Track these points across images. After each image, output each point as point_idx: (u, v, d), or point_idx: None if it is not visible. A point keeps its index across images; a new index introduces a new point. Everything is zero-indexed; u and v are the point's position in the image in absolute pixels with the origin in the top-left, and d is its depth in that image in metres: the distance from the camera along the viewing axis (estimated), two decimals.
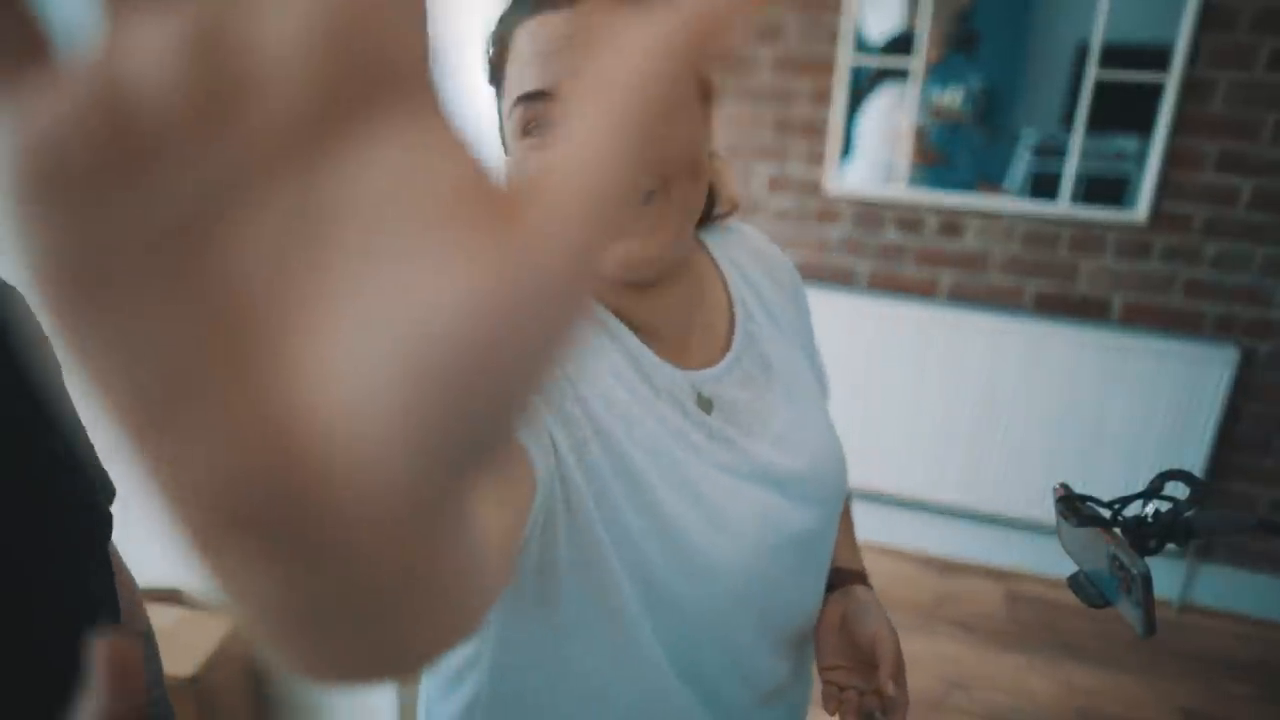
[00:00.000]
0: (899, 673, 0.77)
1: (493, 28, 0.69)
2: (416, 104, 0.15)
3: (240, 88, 0.14)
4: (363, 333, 0.14)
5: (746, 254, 0.89)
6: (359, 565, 0.16)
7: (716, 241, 0.87)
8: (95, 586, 0.58)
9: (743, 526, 0.72)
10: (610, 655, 0.72)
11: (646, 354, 0.73)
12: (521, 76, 0.65)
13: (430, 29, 0.16)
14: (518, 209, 0.15)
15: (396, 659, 0.20)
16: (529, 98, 0.64)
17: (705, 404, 0.76)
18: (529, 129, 0.65)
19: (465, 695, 0.77)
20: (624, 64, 0.17)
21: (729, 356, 0.81)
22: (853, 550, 0.93)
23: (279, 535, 0.15)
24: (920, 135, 2.64)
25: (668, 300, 0.76)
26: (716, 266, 0.85)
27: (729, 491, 0.73)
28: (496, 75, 0.69)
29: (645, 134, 0.16)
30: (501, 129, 0.70)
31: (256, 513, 0.14)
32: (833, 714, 0.78)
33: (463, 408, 0.14)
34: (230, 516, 0.14)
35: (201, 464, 0.14)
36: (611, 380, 0.70)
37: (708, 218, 0.84)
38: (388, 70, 0.15)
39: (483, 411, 0.14)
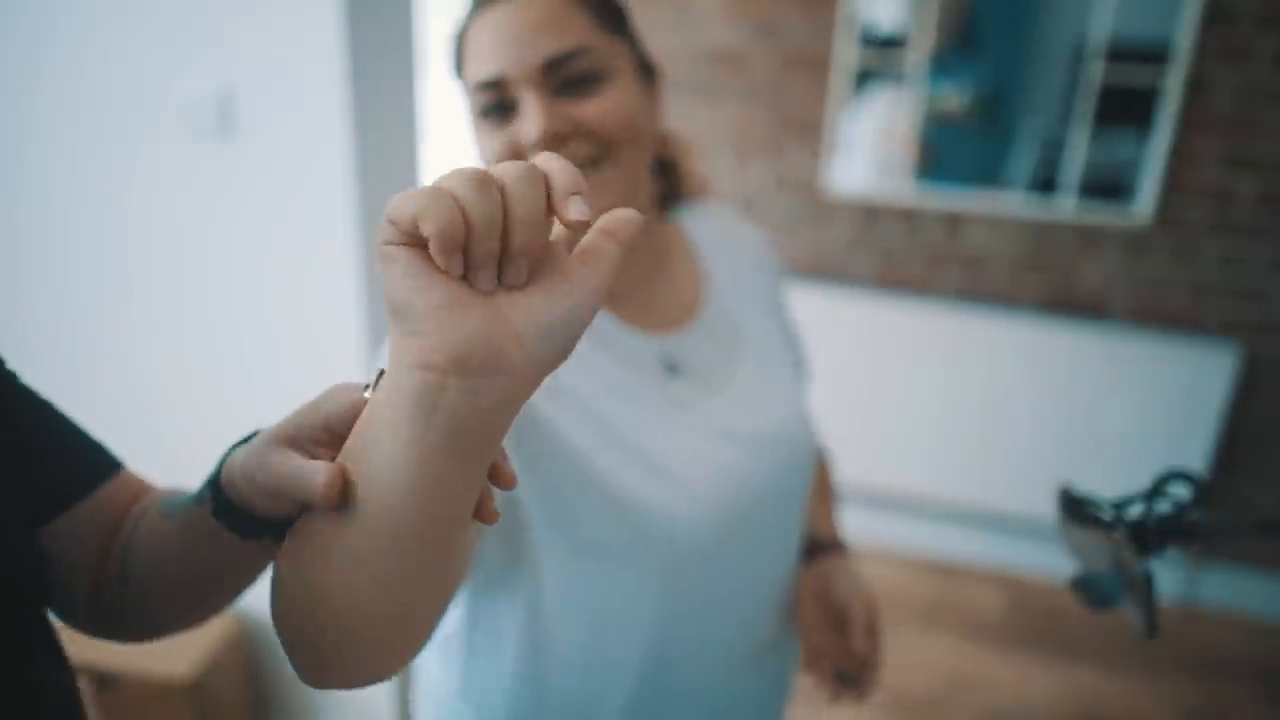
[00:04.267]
0: (871, 633, 0.83)
1: (453, 29, 0.75)
2: None
3: None
4: None
5: (718, 231, 0.93)
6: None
7: (688, 220, 0.92)
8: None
9: (699, 486, 0.75)
10: (587, 623, 0.75)
11: (607, 319, 0.78)
12: (477, 67, 0.72)
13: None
14: None
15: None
16: (484, 86, 0.71)
17: (671, 367, 0.80)
18: (486, 112, 0.73)
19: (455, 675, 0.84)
20: None
21: (696, 321, 0.84)
22: (829, 519, 0.98)
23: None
24: (921, 134, 2.64)
25: (627, 267, 0.79)
26: (687, 242, 0.90)
27: (684, 452, 0.76)
28: (459, 70, 0.76)
29: None
30: (466, 116, 0.77)
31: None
32: (813, 676, 0.84)
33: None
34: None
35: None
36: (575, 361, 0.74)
37: (677, 197, 0.88)
38: None
39: None
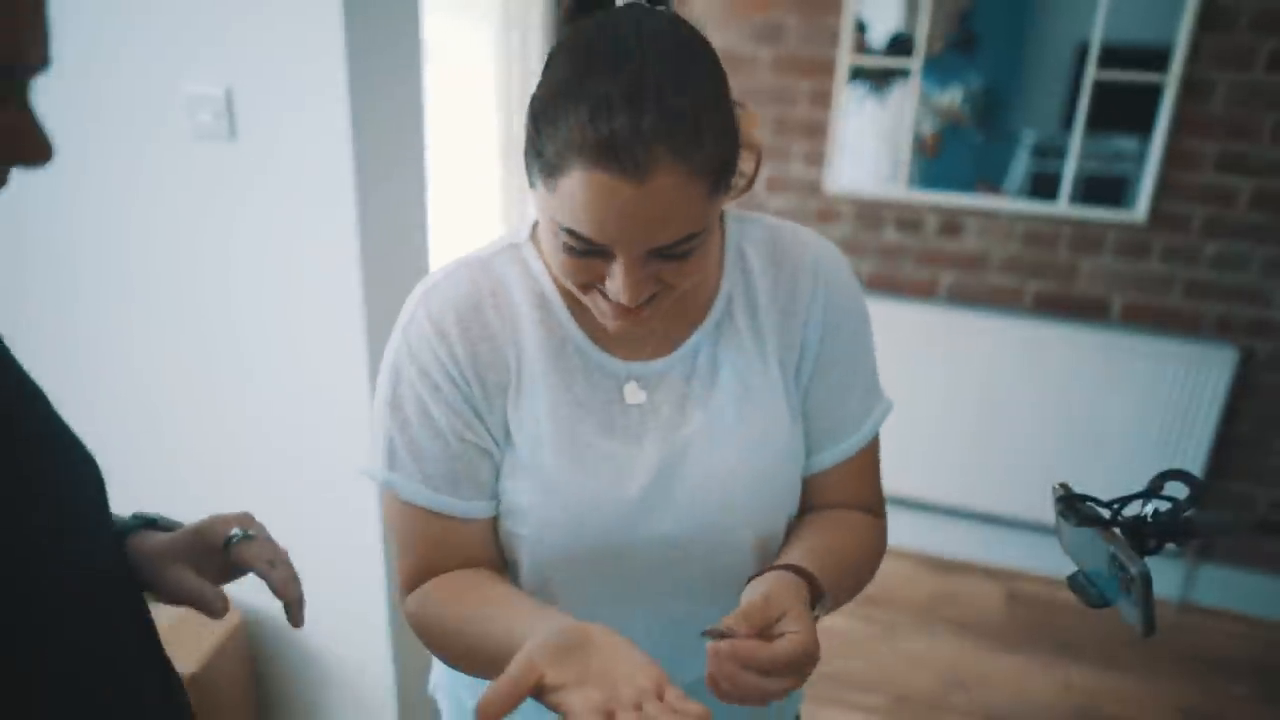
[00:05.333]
0: (750, 619, 0.67)
1: (551, 133, 0.65)
2: None
3: None
4: None
5: (765, 253, 0.85)
6: None
7: (737, 227, 0.86)
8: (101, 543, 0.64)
9: (567, 512, 0.79)
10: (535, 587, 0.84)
11: (583, 343, 0.81)
12: (579, 219, 0.66)
13: None
14: None
15: None
16: (579, 237, 0.67)
17: (636, 393, 0.81)
18: (572, 253, 0.69)
19: None
20: None
21: (678, 353, 0.83)
22: (809, 554, 0.79)
23: None
24: (919, 135, 2.64)
25: None
26: (722, 251, 0.85)
27: (585, 477, 0.80)
28: (542, 168, 0.68)
29: None
30: (539, 209, 0.72)
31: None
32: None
33: None
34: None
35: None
36: (540, 356, 0.80)
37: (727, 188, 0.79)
38: None
39: None
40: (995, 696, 2.35)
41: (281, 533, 1.06)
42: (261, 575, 0.72)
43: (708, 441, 0.81)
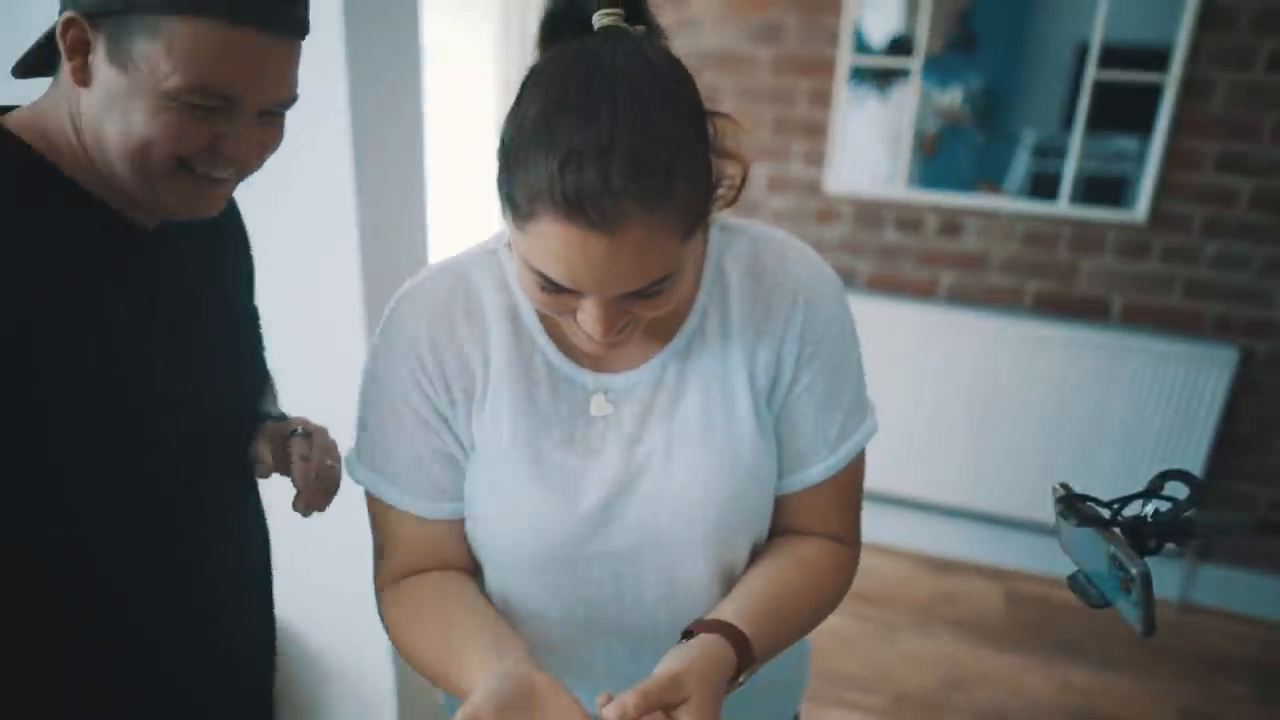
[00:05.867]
0: (639, 707, 0.65)
1: (522, 177, 0.65)
2: None
3: None
4: None
5: (745, 268, 0.83)
6: None
7: (721, 239, 0.84)
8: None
9: (515, 522, 0.81)
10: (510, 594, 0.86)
11: (553, 355, 0.81)
12: (546, 261, 0.66)
13: None
14: None
15: None
16: (548, 280, 0.68)
17: (602, 405, 0.81)
18: (543, 290, 0.69)
19: None
20: None
21: (646, 367, 0.82)
22: (750, 613, 0.77)
23: None
24: (919, 135, 2.64)
25: None
26: (702, 264, 0.83)
27: (562, 490, 0.80)
28: (512, 210, 0.68)
29: None
30: (511, 241, 0.72)
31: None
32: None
33: None
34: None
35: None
36: (507, 367, 0.80)
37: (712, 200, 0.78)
38: None
39: None
40: (994, 696, 2.35)
41: (280, 532, 1.06)
42: (293, 465, 0.90)
43: (666, 458, 0.80)
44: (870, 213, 2.77)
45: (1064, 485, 0.71)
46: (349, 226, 1.45)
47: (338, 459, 0.95)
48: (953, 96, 2.59)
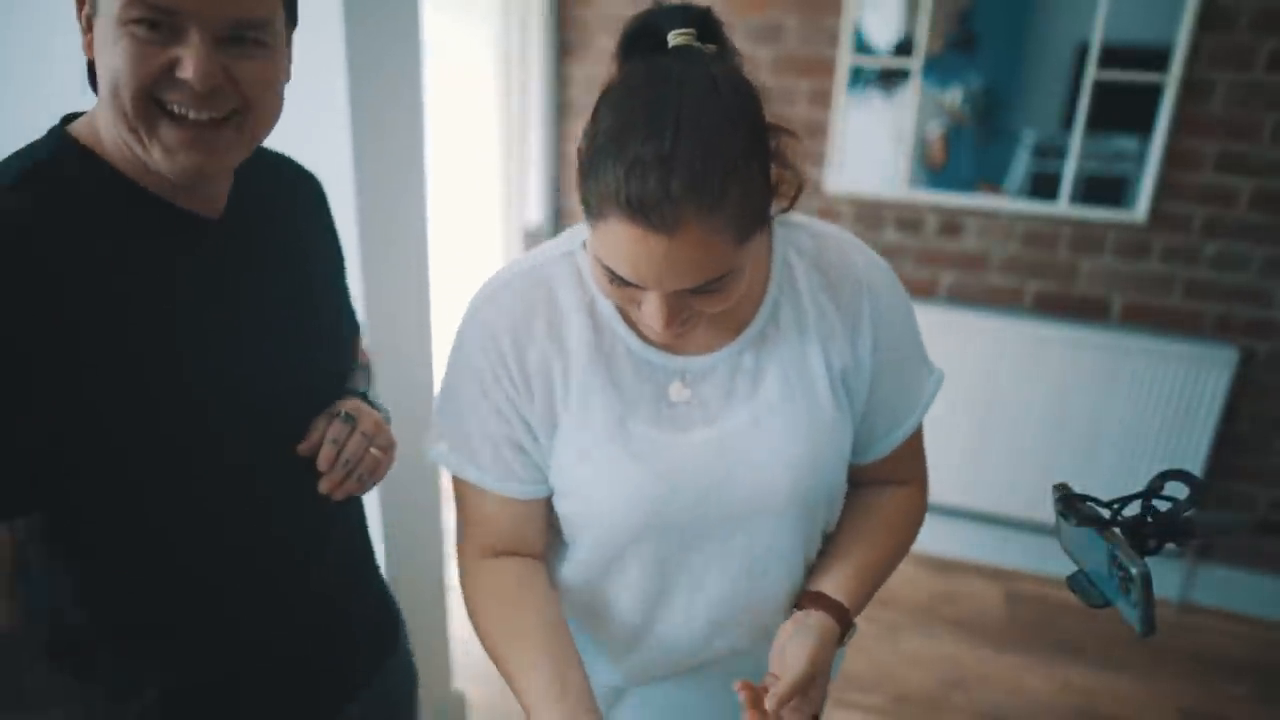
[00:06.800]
0: (789, 698, 0.81)
1: (594, 184, 0.73)
2: None
3: None
4: None
5: (810, 262, 0.91)
6: None
7: (783, 232, 0.92)
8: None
9: (610, 501, 0.87)
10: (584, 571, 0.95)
11: (632, 342, 0.87)
12: (613, 257, 0.74)
13: None
14: None
15: None
16: (616, 276, 0.75)
17: (680, 390, 0.88)
18: (612, 283, 0.77)
19: None
20: None
21: (727, 351, 0.87)
22: (844, 579, 0.93)
23: None
24: (919, 135, 2.64)
25: None
26: (770, 259, 0.90)
27: (652, 463, 0.86)
28: (587, 210, 0.76)
29: None
30: (588, 238, 0.79)
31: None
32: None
33: None
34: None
35: None
36: (589, 359, 0.86)
37: (770, 198, 0.84)
38: None
39: None
40: (995, 696, 2.35)
41: None
42: (322, 447, 0.89)
43: (751, 431, 0.87)
44: (870, 213, 2.77)
45: (1064, 485, 0.71)
46: (349, 225, 1.45)
47: (387, 448, 0.96)
48: (953, 96, 2.59)
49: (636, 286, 0.75)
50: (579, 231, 0.89)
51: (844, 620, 0.89)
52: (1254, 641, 2.61)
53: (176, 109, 0.73)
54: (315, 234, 1.02)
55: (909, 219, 2.75)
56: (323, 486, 0.89)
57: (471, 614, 0.92)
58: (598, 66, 2.91)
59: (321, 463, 0.88)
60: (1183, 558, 2.72)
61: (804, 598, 0.91)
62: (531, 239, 3.03)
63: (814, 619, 0.87)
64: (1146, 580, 0.60)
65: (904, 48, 2.59)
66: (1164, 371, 2.54)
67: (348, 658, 1.02)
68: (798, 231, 0.92)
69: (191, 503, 0.81)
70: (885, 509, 1.01)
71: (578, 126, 3.05)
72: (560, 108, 3.00)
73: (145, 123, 0.72)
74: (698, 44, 0.79)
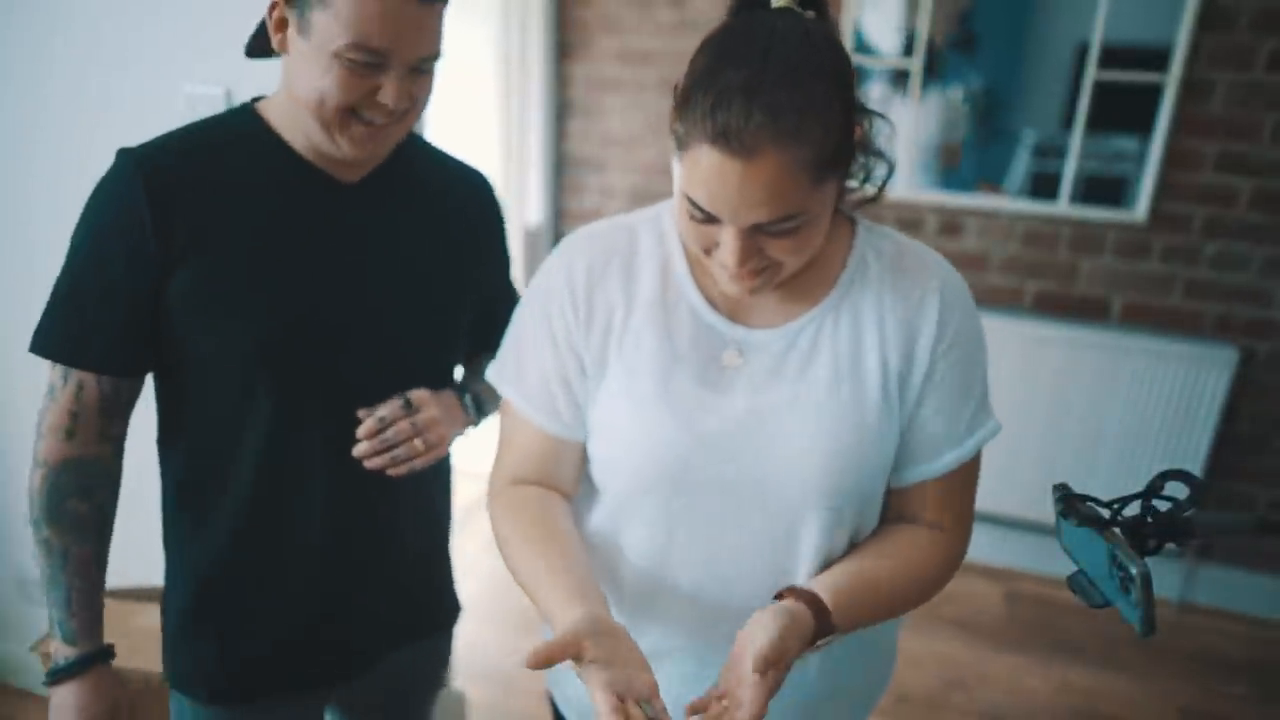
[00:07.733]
0: (743, 679, 0.76)
1: (685, 114, 0.77)
2: None
3: None
4: None
5: (888, 264, 0.93)
6: None
7: (866, 236, 0.96)
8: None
9: (639, 452, 0.89)
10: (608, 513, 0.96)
11: (697, 303, 0.91)
12: (695, 189, 0.78)
13: None
14: None
15: None
16: (696, 206, 0.78)
17: (733, 358, 0.90)
18: (693, 218, 0.80)
19: None
20: None
21: (783, 329, 0.90)
22: (834, 583, 0.86)
23: None
24: (919, 136, 2.65)
25: None
26: (845, 252, 0.93)
27: (690, 416, 0.88)
28: (676, 142, 0.80)
29: None
30: (676, 178, 0.83)
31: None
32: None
33: None
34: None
35: None
36: (651, 310, 0.90)
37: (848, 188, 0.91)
38: None
39: None
40: (994, 696, 2.35)
41: None
42: (366, 419, 0.99)
43: (789, 409, 0.88)
44: (870, 213, 2.77)
45: (1064, 485, 0.71)
46: None
47: (432, 447, 1.02)
48: (953, 97, 2.59)
49: (715, 223, 0.78)
50: (669, 204, 0.95)
51: (823, 618, 0.82)
52: (1253, 641, 2.61)
53: (364, 115, 0.89)
54: (469, 225, 1.10)
55: (909, 219, 2.75)
56: (356, 450, 0.98)
57: (497, 536, 0.95)
58: (598, 66, 2.91)
59: (360, 430, 0.97)
60: (1183, 558, 2.72)
61: (787, 590, 0.86)
62: (531, 239, 3.03)
63: (789, 604, 0.82)
64: (1146, 580, 0.60)
65: (904, 47, 2.59)
66: (1164, 371, 2.55)
67: (403, 609, 1.14)
68: (883, 238, 0.96)
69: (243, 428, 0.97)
70: (908, 542, 0.94)
71: (578, 126, 3.05)
72: (560, 108, 3.00)
73: (340, 126, 0.89)
74: (798, 9, 0.83)
